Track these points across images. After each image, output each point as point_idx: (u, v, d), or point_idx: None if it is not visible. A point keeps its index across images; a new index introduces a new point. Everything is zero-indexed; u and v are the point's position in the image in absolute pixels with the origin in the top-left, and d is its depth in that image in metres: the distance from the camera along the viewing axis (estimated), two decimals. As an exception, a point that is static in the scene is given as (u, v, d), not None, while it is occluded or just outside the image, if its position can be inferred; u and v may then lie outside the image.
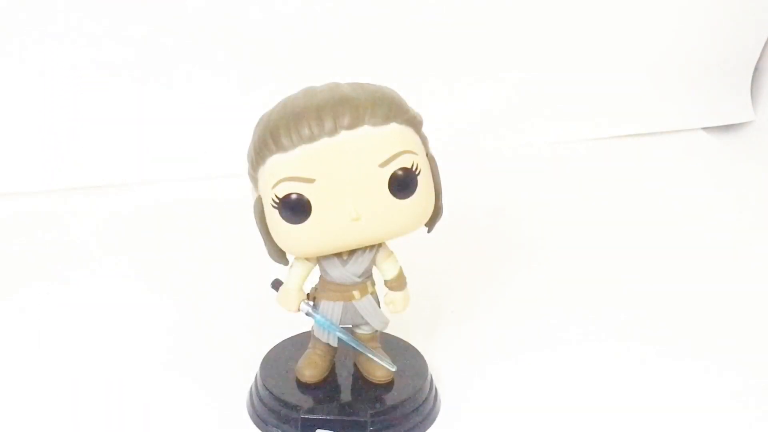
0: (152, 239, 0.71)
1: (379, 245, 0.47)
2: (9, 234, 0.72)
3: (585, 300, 0.63)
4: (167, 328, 0.59)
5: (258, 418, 0.50)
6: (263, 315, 0.57)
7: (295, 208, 0.43)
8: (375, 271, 0.48)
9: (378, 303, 0.49)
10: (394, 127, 0.44)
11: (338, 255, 0.47)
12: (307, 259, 0.47)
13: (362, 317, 0.49)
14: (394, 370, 0.50)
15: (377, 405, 0.49)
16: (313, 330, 0.50)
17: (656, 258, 0.70)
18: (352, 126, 0.43)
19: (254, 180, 0.46)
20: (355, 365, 0.52)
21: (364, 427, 0.48)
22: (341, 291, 0.48)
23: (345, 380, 0.51)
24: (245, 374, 0.53)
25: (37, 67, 0.79)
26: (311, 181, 0.43)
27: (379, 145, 0.43)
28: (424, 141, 0.46)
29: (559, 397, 0.53)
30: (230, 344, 0.57)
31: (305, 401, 0.49)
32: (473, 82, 0.89)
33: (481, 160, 0.87)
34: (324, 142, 0.43)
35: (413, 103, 0.45)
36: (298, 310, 0.48)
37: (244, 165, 0.46)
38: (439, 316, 0.61)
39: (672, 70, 0.94)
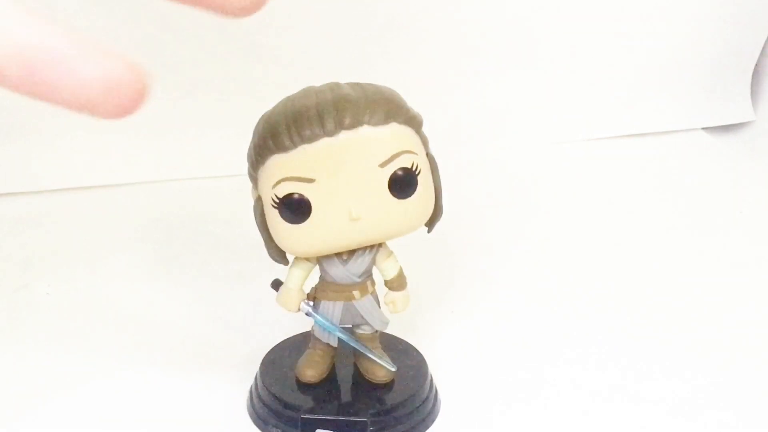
0: (151, 239, 0.71)
1: (379, 245, 0.47)
2: (9, 234, 0.72)
3: (585, 300, 0.63)
4: (167, 327, 0.59)
5: (258, 418, 0.50)
6: (263, 315, 0.57)
7: (295, 208, 0.43)
8: (375, 271, 0.49)
9: (378, 303, 0.49)
10: (394, 127, 0.44)
11: (338, 255, 0.47)
12: (307, 259, 0.47)
13: (362, 317, 0.49)
14: (394, 370, 0.50)
15: (377, 405, 0.49)
16: (313, 330, 0.50)
17: (656, 258, 0.70)
18: (352, 126, 0.43)
19: (254, 180, 0.46)
20: (355, 365, 0.52)
21: (364, 427, 0.48)
22: (341, 291, 0.48)
23: (345, 380, 0.51)
24: (245, 374, 0.53)
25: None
26: (311, 181, 0.43)
27: (379, 145, 0.43)
28: (424, 141, 0.46)
29: (560, 396, 0.53)
30: (230, 344, 0.57)
31: (305, 401, 0.49)
32: (473, 82, 0.89)
33: (481, 160, 0.87)
34: (324, 142, 0.43)
35: (413, 103, 0.45)
36: (298, 310, 0.48)
37: (244, 165, 0.46)
38: (439, 316, 0.61)
39: (672, 70, 0.94)
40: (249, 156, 0.45)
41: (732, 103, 0.97)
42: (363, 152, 0.43)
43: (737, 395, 0.54)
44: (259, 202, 0.45)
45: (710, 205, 0.80)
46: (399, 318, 0.51)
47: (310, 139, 0.42)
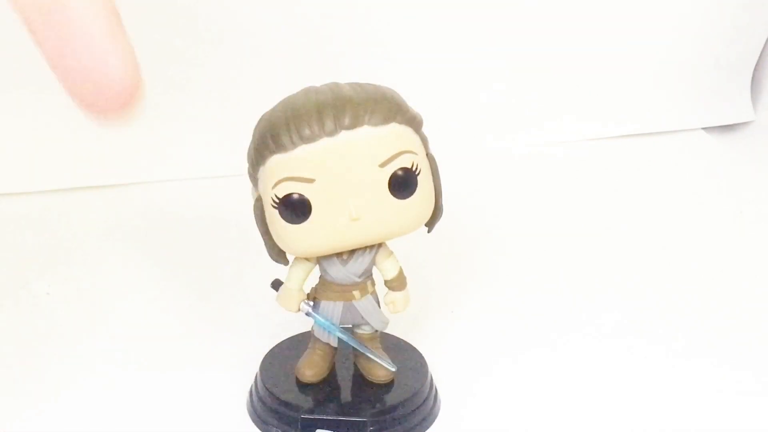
0: (151, 240, 0.71)
1: (379, 245, 0.47)
2: (9, 234, 0.72)
3: (585, 299, 0.63)
4: (166, 327, 0.59)
5: (258, 418, 0.50)
6: (263, 315, 0.57)
7: (295, 208, 0.43)
8: (375, 271, 0.49)
9: (378, 303, 0.49)
10: (394, 127, 0.44)
11: (338, 255, 0.47)
12: (307, 259, 0.47)
13: (362, 317, 0.49)
14: (394, 370, 0.50)
15: (377, 405, 0.49)
16: (313, 330, 0.50)
17: (656, 258, 0.70)
18: (352, 126, 0.43)
19: (254, 180, 0.46)
20: (355, 365, 0.52)
21: (364, 427, 0.48)
22: (341, 291, 0.48)
23: (345, 380, 0.51)
24: (245, 374, 0.53)
25: (36, 66, 0.79)
26: (311, 181, 0.43)
27: (379, 145, 0.43)
28: (424, 141, 0.46)
29: (560, 396, 0.53)
30: (230, 344, 0.57)
31: (305, 401, 0.49)
32: (473, 82, 0.89)
33: (482, 160, 0.87)
34: (324, 142, 0.43)
35: (413, 103, 0.45)
36: (298, 310, 0.48)
37: (244, 165, 0.46)
38: (439, 316, 0.61)
39: (672, 70, 0.94)
40: (249, 156, 0.45)
41: (732, 103, 0.97)
42: (363, 152, 0.43)
43: (737, 393, 0.54)
44: (259, 202, 0.45)
45: (710, 205, 0.80)
46: (399, 318, 0.51)
47: (310, 139, 0.42)
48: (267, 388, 0.50)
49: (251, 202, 0.46)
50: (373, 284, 0.49)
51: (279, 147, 0.43)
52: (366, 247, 0.47)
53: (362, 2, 0.84)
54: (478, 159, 0.87)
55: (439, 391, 0.52)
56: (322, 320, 0.48)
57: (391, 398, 0.50)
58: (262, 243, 0.46)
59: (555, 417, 0.52)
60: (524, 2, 0.87)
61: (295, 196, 0.43)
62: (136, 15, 0.81)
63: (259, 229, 0.46)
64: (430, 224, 0.47)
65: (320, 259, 0.47)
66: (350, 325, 0.49)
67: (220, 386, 0.53)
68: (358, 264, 0.47)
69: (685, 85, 0.95)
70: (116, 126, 0.23)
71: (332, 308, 0.48)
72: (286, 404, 0.49)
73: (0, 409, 0.51)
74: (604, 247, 0.72)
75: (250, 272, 0.58)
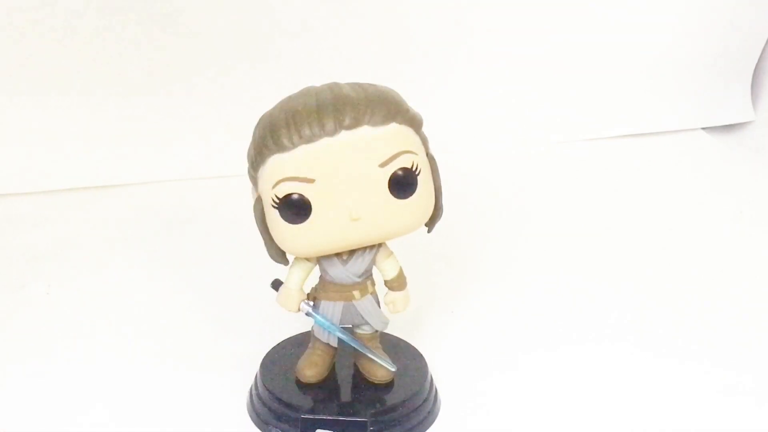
0: (152, 240, 0.71)
1: (379, 245, 0.47)
2: (9, 234, 0.72)
3: (585, 299, 0.63)
4: (167, 327, 0.59)
5: (258, 418, 0.50)
6: (263, 315, 0.57)
7: (295, 208, 0.43)
8: (375, 271, 0.49)
9: (378, 303, 0.49)
10: (394, 127, 0.44)
11: (338, 255, 0.47)
12: (307, 259, 0.47)
13: (362, 317, 0.49)
14: (394, 370, 0.50)
15: (377, 405, 0.49)
16: (313, 330, 0.50)
17: (657, 258, 0.70)
18: (352, 126, 0.43)
19: (254, 180, 0.46)
20: (355, 365, 0.52)
21: (364, 427, 0.48)
22: (341, 291, 0.48)
23: (345, 380, 0.51)
24: (245, 374, 0.53)
25: (37, 66, 0.79)
26: (311, 181, 0.43)
27: (380, 145, 0.43)
28: (424, 141, 0.46)
29: (559, 396, 0.53)
30: (230, 344, 0.57)
31: (305, 401, 0.49)
32: (473, 82, 0.89)
33: (482, 160, 0.87)
34: (324, 142, 0.43)
35: (413, 103, 0.45)
36: (298, 310, 0.48)
37: (244, 165, 0.46)
38: (439, 316, 0.61)
39: (672, 70, 0.94)
40: (249, 156, 0.45)
41: (732, 103, 0.97)
42: (363, 152, 0.43)
43: (737, 394, 0.54)
44: (259, 202, 0.45)
45: (710, 205, 0.80)
46: (399, 318, 0.51)
47: (310, 139, 0.42)
48: (267, 388, 0.50)
49: (251, 202, 0.46)
50: (373, 284, 0.49)
51: (279, 147, 0.43)
52: (366, 247, 0.47)
53: (362, 3, 0.84)
54: (478, 159, 0.87)
55: (439, 391, 0.52)
56: (322, 320, 0.48)
57: (391, 398, 0.50)
58: (262, 243, 0.46)
59: (555, 417, 0.52)
60: (524, 3, 0.87)
61: (295, 196, 0.43)
62: (136, 16, 0.82)
63: (259, 229, 0.46)
64: (430, 224, 0.47)
65: (320, 259, 0.47)
66: (350, 325, 0.49)
67: (220, 386, 0.53)
68: (358, 264, 0.47)
69: (685, 85, 0.95)
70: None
71: (332, 308, 0.48)
72: (286, 404, 0.49)
73: (0, 407, 0.51)
74: (604, 247, 0.72)
75: (250, 272, 0.58)
